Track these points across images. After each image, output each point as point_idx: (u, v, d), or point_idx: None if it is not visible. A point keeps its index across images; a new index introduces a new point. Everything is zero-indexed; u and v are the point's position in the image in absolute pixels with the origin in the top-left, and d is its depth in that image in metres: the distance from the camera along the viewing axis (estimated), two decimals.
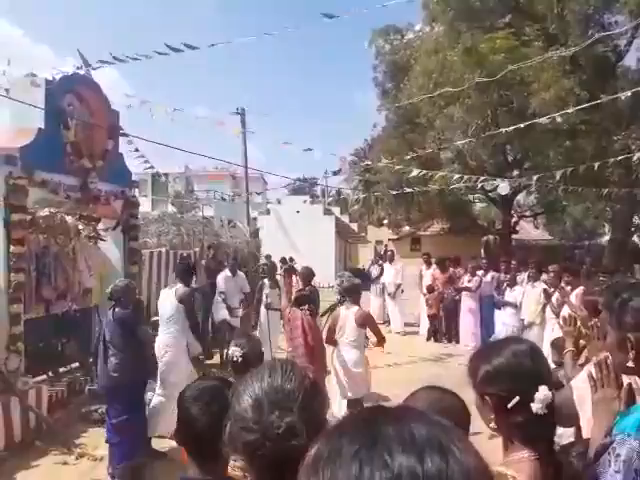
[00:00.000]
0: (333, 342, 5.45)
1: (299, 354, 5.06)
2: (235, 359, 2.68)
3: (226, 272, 8.93)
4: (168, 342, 5.42)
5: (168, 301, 5.54)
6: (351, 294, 5.49)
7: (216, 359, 8.79)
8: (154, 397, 5.26)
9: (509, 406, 1.35)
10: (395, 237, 26.13)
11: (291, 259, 15.47)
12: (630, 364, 1.49)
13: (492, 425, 1.41)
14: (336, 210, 25.53)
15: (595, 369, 1.55)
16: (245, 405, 1.02)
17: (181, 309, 5.47)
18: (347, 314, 5.40)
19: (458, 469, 0.54)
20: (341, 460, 0.56)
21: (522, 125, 8.41)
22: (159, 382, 5.31)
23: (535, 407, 1.34)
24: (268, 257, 14.98)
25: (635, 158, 11.13)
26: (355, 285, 5.57)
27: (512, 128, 8.90)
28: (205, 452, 1.57)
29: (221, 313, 8.78)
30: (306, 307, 5.30)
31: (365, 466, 0.54)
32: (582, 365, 2.58)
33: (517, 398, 1.35)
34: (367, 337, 6.10)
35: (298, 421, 0.98)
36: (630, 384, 1.53)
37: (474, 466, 0.56)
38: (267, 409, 0.99)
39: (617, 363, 1.54)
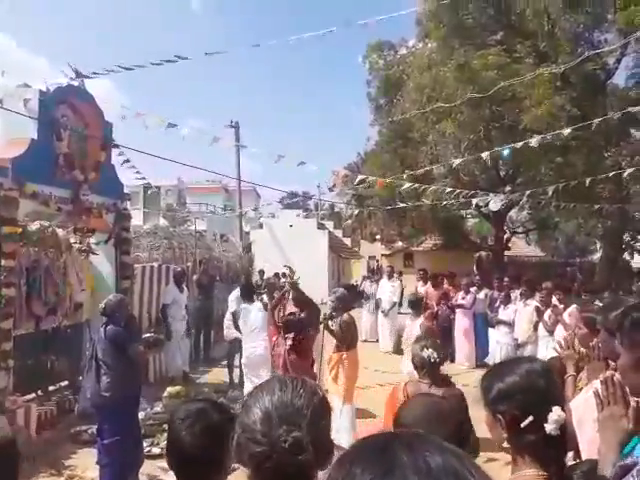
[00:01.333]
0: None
1: None
2: None
3: (237, 292, 8.27)
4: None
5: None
6: (343, 303, 5.73)
7: (213, 377, 8.64)
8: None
9: (522, 425, 1.36)
10: (388, 252, 26.13)
11: (284, 274, 15.35)
12: None
13: (504, 444, 1.41)
14: (329, 224, 25.53)
15: (602, 387, 1.52)
16: (254, 418, 1.03)
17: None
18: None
19: None
20: None
21: (516, 144, 8.43)
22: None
23: (549, 428, 1.35)
24: (261, 272, 14.88)
25: (626, 174, 11.25)
26: (347, 295, 5.95)
27: (506, 148, 8.96)
28: (192, 475, 1.55)
29: (232, 332, 8.39)
30: (292, 336, 5.00)
31: None
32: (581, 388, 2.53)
33: (531, 418, 1.36)
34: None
35: (305, 436, 0.99)
36: (638, 402, 1.51)
37: None
38: (275, 423, 1.01)
39: (633, 385, 1.49)
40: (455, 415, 1.61)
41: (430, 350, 3.09)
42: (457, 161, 8.56)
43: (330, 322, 5.60)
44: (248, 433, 1.02)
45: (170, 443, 1.61)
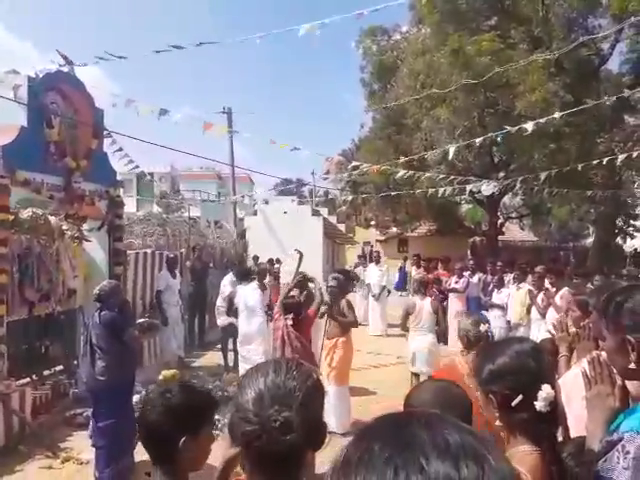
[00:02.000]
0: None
1: None
2: None
3: (231, 276, 8.49)
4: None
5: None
6: (342, 289, 5.94)
7: (207, 361, 8.73)
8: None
9: (513, 404, 1.40)
10: (382, 238, 26.24)
11: (278, 260, 15.39)
12: (632, 366, 1.48)
13: (497, 423, 1.46)
14: (324, 211, 25.53)
15: (589, 367, 1.56)
16: (247, 397, 1.06)
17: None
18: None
19: (494, 477, 0.54)
20: (374, 465, 0.55)
21: (510, 129, 8.45)
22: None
23: (539, 405, 1.39)
24: (255, 258, 14.93)
25: (619, 160, 11.31)
26: (345, 281, 6.21)
27: (500, 133, 8.96)
28: (161, 455, 1.59)
29: (224, 318, 8.30)
30: (291, 316, 5.11)
31: (401, 471, 0.53)
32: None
33: (521, 396, 1.40)
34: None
35: (295, 417, 1.01)
36: (623, 381, 1.54)
37: (509, 474, 0.56)
38: (267, 403, 1.03)
39: (619, 368, 1.52)
40: (465, 399, 1.63)
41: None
42: (452, 149, 8.55)
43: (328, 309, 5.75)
44: (241, 412, 1.05)
45: (139, 425, 1.69)
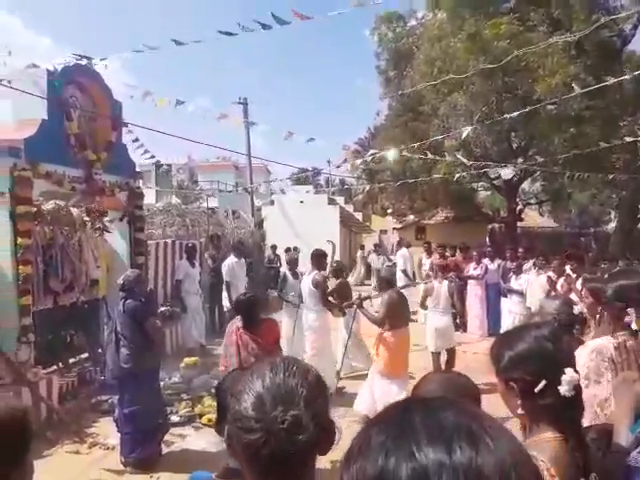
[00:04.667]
0: None
1: None
2: None
3: (232, 258, 8.88)
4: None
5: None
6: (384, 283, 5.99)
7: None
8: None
9: (536, 390, 1.36)
10: (399, 226, 26.09)
11: (295, 249, 15.46)
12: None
13: (519, 411, 1.42)
14: (340, 200, 25.48)
15: (615, 353, 1.54)
16: (246, 404, 0.97)
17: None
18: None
19: (490, 458, 0.52)
20: (369, 451, 0.55)
21: (527, 109, 8.31)
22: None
23: (563, 389, 1.35)
24: (274, 247, 14.99)
25: None
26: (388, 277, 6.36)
27: (517, 114, 8.81)
28: None
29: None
30: (239, 318, 4.48)
31: (391, 457, 0.53)
32: None
33: (544, 382, 1.36)
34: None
35: (304, 414, 0.94)
36: None
37: (510, 455, 0.53)
38: (270, 406, 0.94)
39: None
40: (472, 388, 1.62)
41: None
42: (467, 130, 8.42)
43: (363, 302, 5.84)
44: (239, 422, 0.96)
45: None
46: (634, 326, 1.68)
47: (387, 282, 5.89)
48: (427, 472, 0.51)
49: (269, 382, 0.99)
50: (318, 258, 6.77)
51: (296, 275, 7.43)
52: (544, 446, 1.25)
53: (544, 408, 1.37)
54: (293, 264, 7.59)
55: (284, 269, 8.12)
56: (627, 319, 1.77)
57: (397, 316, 5.52)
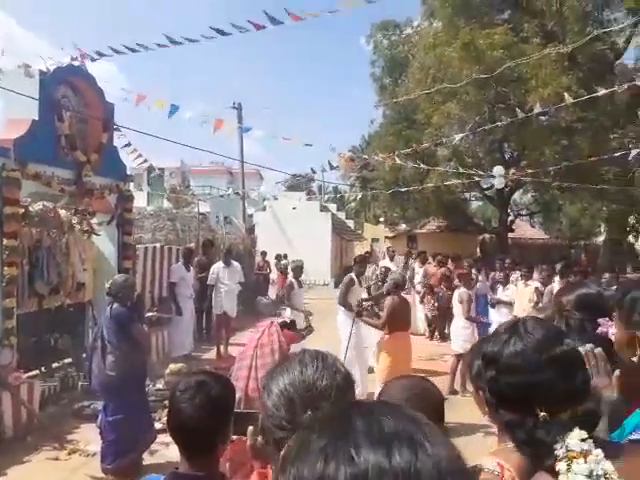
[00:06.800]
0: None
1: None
2: None
3: (220, 263, 8.89)
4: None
5: None
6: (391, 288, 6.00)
7: (212, 354, 8.76)
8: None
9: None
10: (391, 235, 26.14)
11: (285, 256, 15.41)
12: (635, 359, 1.48)
13: (487, 418, 1.38)
14: (333, 207, 25.49)
15: (585, 360, 1.54)
16: (277, 402, 1.01)
17: None
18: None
19: (428, 463, 0.52)
20: (308, 455, 0.54)
21: (519, 117, 8.38)
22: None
23: None
24: (263, 254, 14.93)
25: (631, 156, 11.14)
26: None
27: (509, 121, 8.89)
28: (194, 446, 1.56)
29: (219, 305, 8.73)
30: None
31: (330, 461, 0.52)
32: None
33: None
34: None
35: None
36: (620, 371, 1.54)
37: (447, 460, 0.53)
38: (299, 408, 0.98)
39: (625, 357, 1.52)
40: (436, 394, 1.61)
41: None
42: (459, 136, 8.47)
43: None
44: (272, 418, 1.00)
45: (171, 415, 1.62)
46: (612, 334, 1.68)
47: (395, 286, 5.86)
48: (366, 477, 0.50)
49: (298, 382, 1.01)
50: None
51: (300, 284, 7.50)
52: (511, 455, 1.21)
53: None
54: (298, 272, 7.58)
55: (273, 275, 8.13)
56: (601, 329, 1.76)
57: (397, 320, 5.57)
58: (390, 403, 0.65)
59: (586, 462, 1.01)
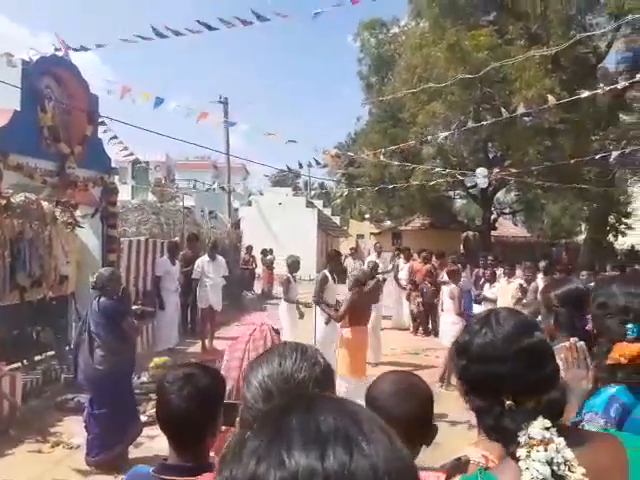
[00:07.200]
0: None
1: None
2: None
3: (205, 257, 8.90)
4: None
5: None
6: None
7: (196, 348, 8.76)
8: None
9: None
10: (377, 231, 26.28)
11: (271, 251, 15.41)
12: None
13: (469, 411, 1.41)
14: (318, 203, 25.52)
15: (566, 353, 1.62)
16: (255, 394, 1.00)
17: None
18: None
19: (364, 464, 0.49)
20: (242, 456, 0.52)
21: (503, 117, 8.51)
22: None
23: None
24: (249, 248, 14.93)
25: (612, 158, 11.36)
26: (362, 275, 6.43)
27: (493, 121, 9.01)
28: (182, 437, 1.57)
29: (204, 299, 8.73)
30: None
31: (262, 463, 0.50)
32: None
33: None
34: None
35: None
36: (597, 364, 1.62)
37: (385, 460, 0.51)
38: (277, 400, 0.96)
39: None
40: (424, 388, 1.64)
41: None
42: (444, 134, 8.58)
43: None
44: (251, 410, 1.00)
45: (160, 407, 1.62)
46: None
47: (356, 281, 5.98)
48: None
49: (277, 374, 1.01)
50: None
51: (295, 279, 7.53)
52: (493, 444, 1.23)
53: None
54: (294, 267, 7.54)
55: (259, 270, 8.15)
56: (590, 326, 1.83)
57: (357, 314, 5.69)
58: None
59: (547, 450, 1.04)
